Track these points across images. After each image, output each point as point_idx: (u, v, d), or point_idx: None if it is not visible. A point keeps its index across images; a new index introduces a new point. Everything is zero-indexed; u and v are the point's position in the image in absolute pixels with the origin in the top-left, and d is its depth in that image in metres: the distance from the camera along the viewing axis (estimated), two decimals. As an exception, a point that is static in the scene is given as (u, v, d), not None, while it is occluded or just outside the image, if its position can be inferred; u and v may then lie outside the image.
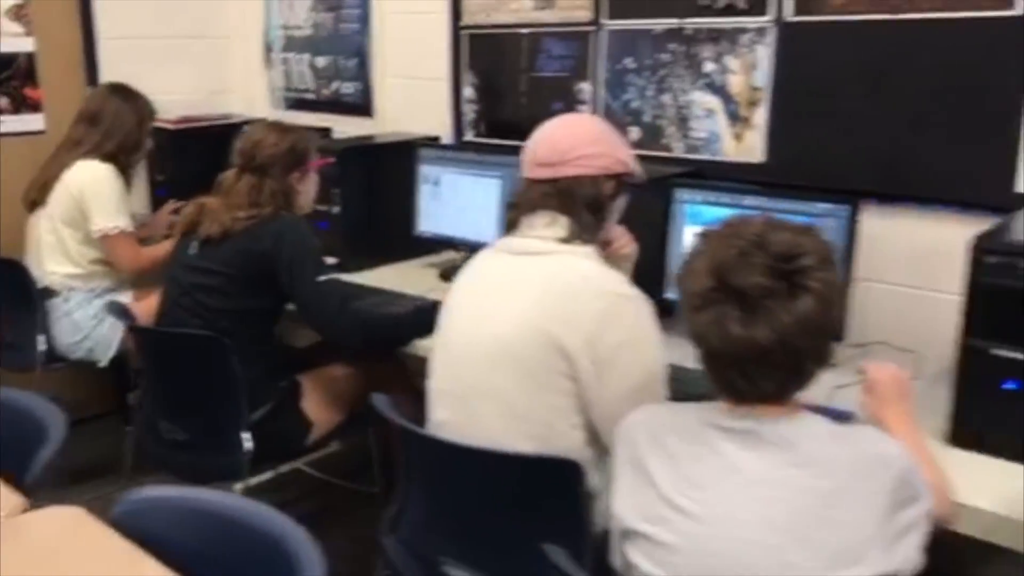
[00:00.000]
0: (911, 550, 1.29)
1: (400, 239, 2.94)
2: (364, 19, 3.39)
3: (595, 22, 2.72)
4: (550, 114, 2.57)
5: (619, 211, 1.83)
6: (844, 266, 2.08)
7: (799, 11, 2.32)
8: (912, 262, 2.23)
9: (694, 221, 2.29)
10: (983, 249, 1.65)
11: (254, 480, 3.16)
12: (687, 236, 2.28)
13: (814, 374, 1.31)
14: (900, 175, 2.22)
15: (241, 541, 1.28)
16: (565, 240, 1.69)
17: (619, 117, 2.71)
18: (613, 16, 2.68)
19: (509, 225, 1.77)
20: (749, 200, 2.22)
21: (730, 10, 2.43)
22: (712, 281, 1.26)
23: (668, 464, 1.31)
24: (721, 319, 1.25)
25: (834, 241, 2.08)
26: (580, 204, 1.71)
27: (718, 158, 2.53)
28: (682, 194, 2.33)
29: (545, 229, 1.71)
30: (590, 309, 1.59)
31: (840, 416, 1.80)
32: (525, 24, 2.90)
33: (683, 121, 2.59)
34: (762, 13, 2.38)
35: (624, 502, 1.35)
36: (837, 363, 2.10)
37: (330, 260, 2.82)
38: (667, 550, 1.27)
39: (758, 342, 1.23)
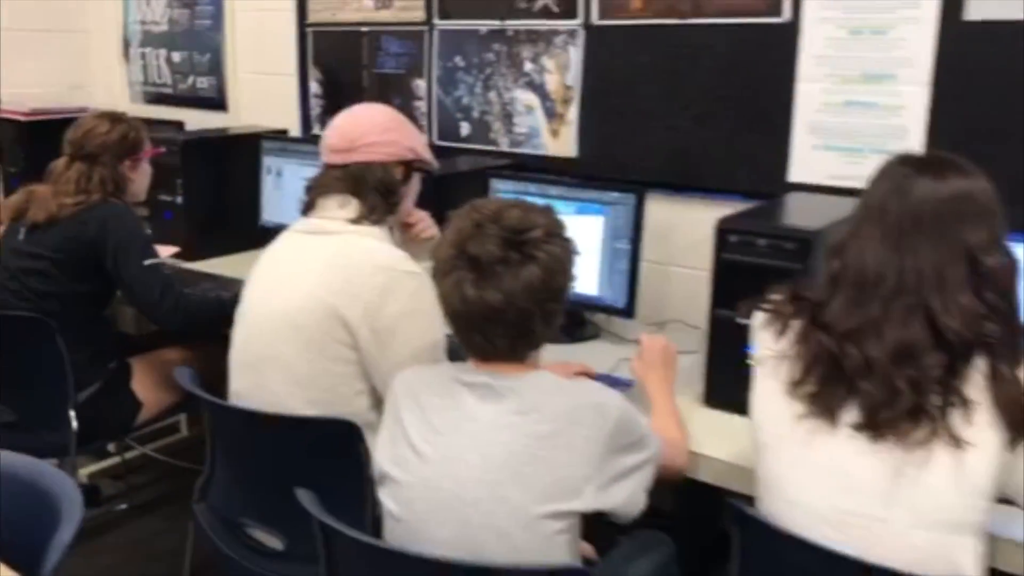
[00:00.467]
0: (634, 491, 1.46)
1: (245, 229, 3.02)
2: (217, 16, 3.48)
3: (428, 22, 2.87)
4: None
5: (413, 195, 1.97)
6: (631, 246, 2.29)
7: (603, 15, 2.51)
8: (702, 247, 2.42)
9: (507, 209, 2.45)
10: (725, 229, 1.85)
11: (104, 464, 3.23)
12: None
13: (544, 335, 1.46)
14: (691, 167, 2.43)
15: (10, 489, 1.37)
16: (355, 221, 1.83)
17: (451, 112, 2.86)
18: (443, 17, 2.84)
19: (306, 207, 1.90)
20: (554, 190, 2.40)
21: (545, 13, 2.61)
22: (453, 250, 1.41)
23: (419, 415, 1.45)
24: (459, 283, 1.39)
25: (625, 225, 2.29)
26: (370, 188, 1.84)
27: (539, 152, 2.70)
28: (498, 184, 2.49)
29: (337, 210, 1.84)
30: (370, 282, 1.73)
31: (619, 383, 1.99)
32: (366, 23, 3.03)
33: (507, 117, 2.75)
34: (572, 16, 2.56)
35: (382, 450, 1.49)
36: (629, 338, 2.32)
37: (173, 249, 2.92)
38: (403, 487, 1.42)
39: (489, 303, 1.38)
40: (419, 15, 2.88)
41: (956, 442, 1.26)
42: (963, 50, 2.01)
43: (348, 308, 1.72)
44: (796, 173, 2.25)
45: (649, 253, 2.40)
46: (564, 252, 1.45)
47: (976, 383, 1.28)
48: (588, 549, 1.81)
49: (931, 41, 2.04)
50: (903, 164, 1.41)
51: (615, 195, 2.29)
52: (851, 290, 1.36)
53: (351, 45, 3.08)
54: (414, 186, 1.96)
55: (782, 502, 1.39)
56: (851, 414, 1.32)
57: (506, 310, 1.39)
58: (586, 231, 2.33)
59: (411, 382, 1.51)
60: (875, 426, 1.30)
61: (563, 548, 1.37)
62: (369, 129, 1.88)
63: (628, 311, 2.33)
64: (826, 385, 1.34)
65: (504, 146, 2.77)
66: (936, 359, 1.28)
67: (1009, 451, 1.28)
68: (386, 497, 1.45)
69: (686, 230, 2.43)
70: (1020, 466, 1.29)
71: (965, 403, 1.27)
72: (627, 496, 1.44)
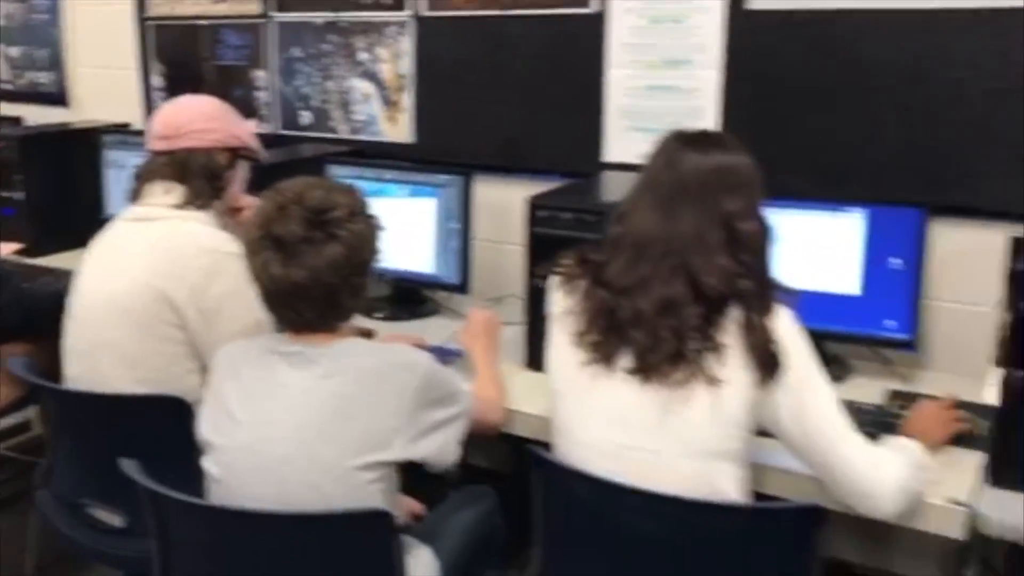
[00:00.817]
0: (445, 442, 1.58)
1: (89, 223, 3.00)
2: (54, 10, 3.45)
3: (265, 15, 2.94)
4: (232, 100, 2.76)
5: (239, 182, 2.05)
6: (462, 226, 2.42)
7: (432, 7, 2.64)
8: (529, 224, 2.58)
9: (345, 194, 2.56)
10: (535, 205, 2.01)
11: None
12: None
13: (352, 306, 1.57)
14: (518, 150, 2.58)
15: None
16: (179, 206, 1.90)
17: (292, 102, 2.94)
18: (280, 9, 2.91)
19: (133, 195, 1.96)
20: (388, 174, 2.52)
21: (376, 5, 2.72)
22: (259, 231, 1.50)
23: (237, 385, 1.55)
24: (266, 263, 1.48)
25: (456, 206, 2.42)
26: (194, 174, 1.92)
27: (377, 138, 2.81)
28: (335, 170, 2.58)
29: (162, 197, 1.91)
30: (195, 264, 1.81)
31: (451, 353, 2.12)
32: (204, 16, 3.08)
33: (346, 105, 2.85)
34: (401, 8, 2.68)
35: (204, 420, 1.58)
36: (465, 313, 2.45)
37: (14, 246, 2.90)
38: (223, 452, 1.52)
39: (295, 280, 1.47)
40: (255, 8, 2.95)
41: (711, 381, 1.43)
42: (746, 36, 2.22)
43: (174, 290, 1.79)
44: (610, 153, 2.43)
45: (484, 232, 2.54)
46: (367, 229, 1.55)
47: (731, 331, 1.45)
48: (416, 505, 1.95)
49: (719, 29, 2.24)
50: (675, 140, 1.59)
51: (445, 178, 2.42)
52: (629, 252, 1.52)
53: (191, 38, 3.12)
54: (240, 172, 2.03)
55: (571, 443, 1.56)
56: (625, 360, 1.48)
57: (311, 286, 1.48)
58: (420, 213, 2.46)
59: (231, 355, 1.60)
60: (644, 370, 1.46)
61: (377, 497, 1.48)
62: (194, 117, 1.95)
63: (462, 287, 2.46)
64: (605, 335, 1.51)
65: (344, 133, 2.86)
66: (695, 311, 1.45)
67: (760, 389, 1.46)
68: (209, 463, 1.54)
69: (516, 209, 2.57)
70: (771, 402, 1.47)
71: (719, 348, 1.44)
72: (438, 447, 1.57)
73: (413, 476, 1.68)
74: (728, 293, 1.46)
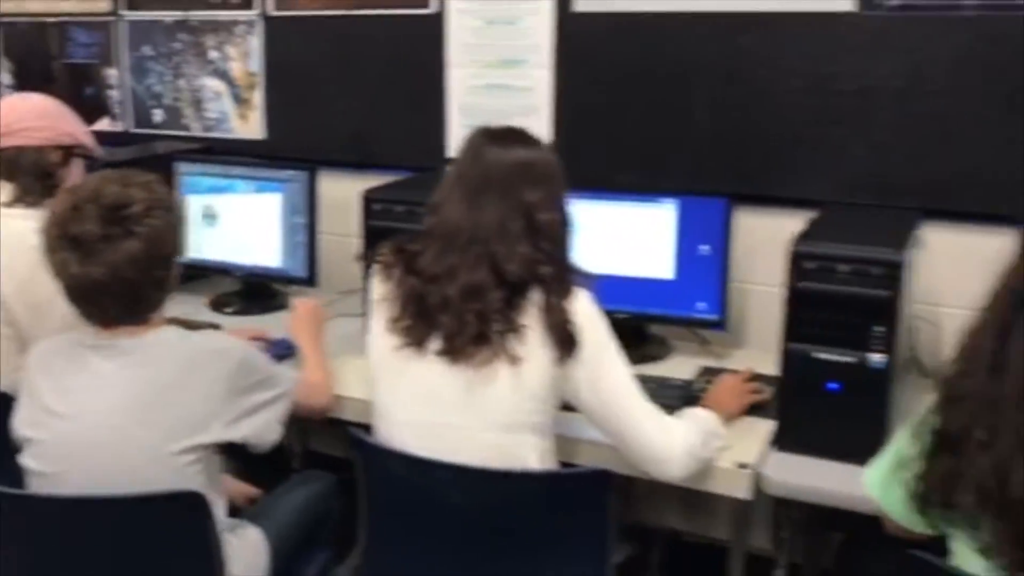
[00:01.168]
0: (266, 423, 1.65)
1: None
2: None
3: (114, 13, 2.94)
4: (84, 98, 2.74)
5: (74, 179, 2.05)
6: (308, 220, 2.48)
7: (279, 6, 2.69)
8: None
9: (194, 190, 2.60)
10: (368, 199, 2.10)
11: None
12: (188, 203, 2.57)
13: (159, 298, 1.60)
14: (366, 146, 2.65)
15: None
16: (8, 204, 1.91)
17: (144, 100, 2.95)
18: (130, 7, 2.92)
19: (-39, 194, 1.96)
20: (236, 170, 2.57)
21: (225, 4, 2.75)
22: (56, 231, 1.52)
23: (51, 380, 1.57)
24: (64, 262, 1.51)
25: (301, 201, 2.48)
26: (24, 171, 1.94)
27: (229, 136, 2.85)
28: (182, 167, 2.62)
29: (-10, 195, 1.92)
30: (22, 260, 1.82)
31: (285, 346, 2.17)
32: (52, 13, 3.05)
33: (198, 103, 2.87)
34: (249, 7, 2.72)
35: (20, 417, 1.59)
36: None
37: None
38: (41, 445, 1.55)
39: (94, 278, 1.50)
40: (104, 6, 2.95)
41: (513, 360, 1.54)
42: (574, 38, 2.35)
43: (1, 286, 1.81)
44: (452, 149, 2.52)
45: (333, 226, 2.60)
46: (166, 223, 1.57)
47: (531, 313, 1.56)
48: (251, 489, 2.01)
49: (549, 30, 2.36)
50: (481, 136, 1.69)
51: (290, 173, 2.48)
52: (439, 242, 1.62)
53: (39, 36, 3.09)
54: (75, 170, 2.05)
55: (389, 424, 1.65)
56: (435, 343, 1.58)
57: (111, 283, 1.50)
58: (265, 208, 2.51)
59: (43, 353, 1.62)
60: (452, 351, 1.56)
61: (196, 480, 1.53)
62: (24, 115, 1.97)
63: (310, 280, 2.52)
64: (416, 320, 1.60)
65: (197, 131, 2.89)
66: (498, 295, 1.56)
67: (560, 366, 1.57)
68: (28, 459, 1.56)
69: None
70: (570, 377, 1.58)
71: (519, 329, 1.55)
72: (257, 429, 1.63)
73: (255, 462, 1.75)
74: (529, 278, 1.57)
